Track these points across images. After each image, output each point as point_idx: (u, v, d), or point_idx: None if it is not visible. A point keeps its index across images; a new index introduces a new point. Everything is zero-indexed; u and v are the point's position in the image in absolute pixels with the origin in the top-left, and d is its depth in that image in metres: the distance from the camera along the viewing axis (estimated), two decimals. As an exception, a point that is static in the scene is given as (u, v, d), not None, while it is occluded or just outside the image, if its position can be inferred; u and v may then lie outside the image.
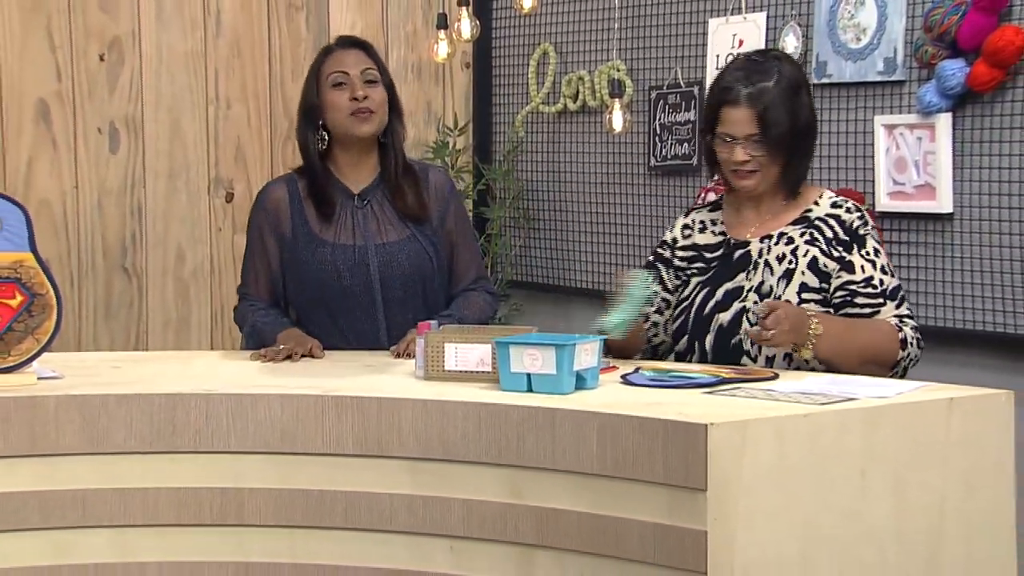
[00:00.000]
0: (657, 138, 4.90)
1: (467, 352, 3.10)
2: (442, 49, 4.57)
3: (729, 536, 2.55)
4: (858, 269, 3.26)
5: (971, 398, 2.92)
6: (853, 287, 3.25)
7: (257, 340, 3.64)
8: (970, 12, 3.88)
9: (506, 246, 5.50)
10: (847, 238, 3.29)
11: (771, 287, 3.29)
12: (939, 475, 2.83)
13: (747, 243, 3.36)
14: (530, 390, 2.90)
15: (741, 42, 4.57)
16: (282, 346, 3.50)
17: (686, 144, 4.79)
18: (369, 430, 2.91)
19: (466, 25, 4.39)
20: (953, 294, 4.02)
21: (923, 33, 4.02)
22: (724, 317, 3.30)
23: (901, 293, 3.30)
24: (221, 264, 5.20)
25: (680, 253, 3.46)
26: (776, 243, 3.32)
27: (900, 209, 4.12)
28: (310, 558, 2.96)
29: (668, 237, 3.51)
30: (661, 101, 4.88)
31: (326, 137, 3.71)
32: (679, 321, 3.39)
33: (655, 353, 3.46)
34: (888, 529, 2.76)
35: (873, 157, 4.15)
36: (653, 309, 3.42)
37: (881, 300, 3.25)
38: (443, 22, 4.54)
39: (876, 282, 3.26)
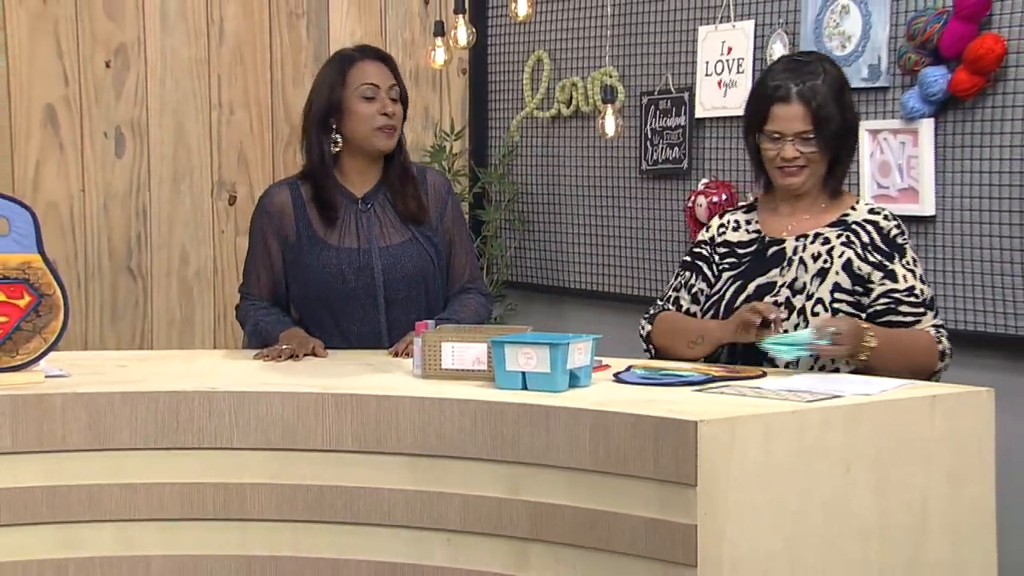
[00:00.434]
0: (648, 142, 4.92)
1: (463, 351, 3.10)
2: (439, 56, 4.54)
3: (718, 530, 2.57)
4: (900, 278, 3.25)
5: (953, 395, 2.93)
6: (897, 295, 3.24)
7: (260, 339, 3.64)
8: (952, 20, 3.90)
9: (501, 247, 5.52)
10: (885, 247, 3.29)
11: (804, 283, 3.28)
12: (922, 471, 2.84)
13: (782, 240, 3.35)
14: (525, 388, 2.91)
15: (730, 49, 4.60)
16: (284, 346, 3.49)
17: (676, 148, 4.81)
18: (368, 427, 2.91)
19: (462, 33, 4.38)
20: (935, 294, 4.03)
21: (906, 41, 4.05)
22: None
23: (935, 303, 3.32)
24: (224, 265, 5.21)
25: (718, 250, 3.46)
26: (812, 242, 3.32)
27: (885, 212, 4.17)
28: (311, 551, 2.96)
29: (705, 236, 3.49)
30: (652, 106, 4.90)
31: (339, 141, 3.70)
32: (709, 314, 3.38)
33: None
34: (872, 524, 2.77)
35: (858, 161, 4.13)
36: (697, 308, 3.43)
37: (923, 310, 3.25)
38: (440, 30, 4.52)
39: (917, 292, 3.26)
